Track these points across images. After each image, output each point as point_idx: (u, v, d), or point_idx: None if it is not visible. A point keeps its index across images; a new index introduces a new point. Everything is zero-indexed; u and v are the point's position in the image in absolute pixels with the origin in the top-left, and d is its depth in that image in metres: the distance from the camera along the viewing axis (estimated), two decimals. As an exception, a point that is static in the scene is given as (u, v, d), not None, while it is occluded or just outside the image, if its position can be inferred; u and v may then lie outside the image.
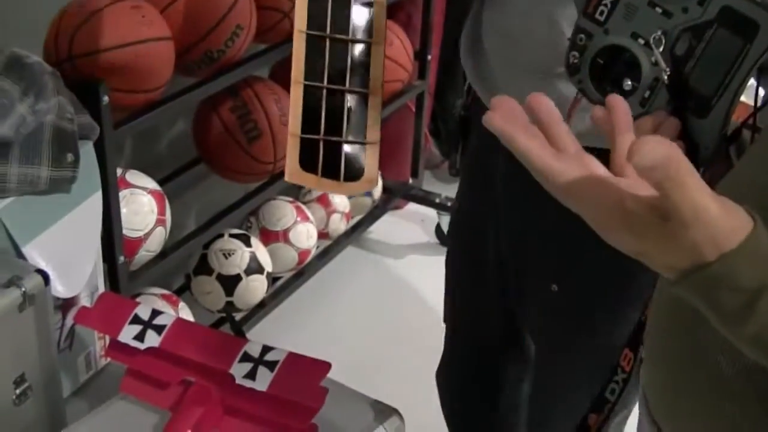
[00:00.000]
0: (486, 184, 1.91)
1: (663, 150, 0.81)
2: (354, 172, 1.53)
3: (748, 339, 0.88)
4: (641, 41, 1.20)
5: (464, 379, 2.32)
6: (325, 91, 1.52)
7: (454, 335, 2.31)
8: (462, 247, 2.15)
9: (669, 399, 1.11)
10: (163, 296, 2.76)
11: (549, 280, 1.86)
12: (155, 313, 1.75)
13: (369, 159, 1.55)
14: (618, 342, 1.37)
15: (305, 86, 1.51)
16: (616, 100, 0.98)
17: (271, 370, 1.60)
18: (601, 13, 1.22)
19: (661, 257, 0.88)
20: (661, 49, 1.18)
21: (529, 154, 0.90)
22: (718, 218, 0.84)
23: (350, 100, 1.54)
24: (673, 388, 1.09)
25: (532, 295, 1.94)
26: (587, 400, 1.41)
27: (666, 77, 1.17)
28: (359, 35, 1.55)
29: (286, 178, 1.49)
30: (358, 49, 1.55)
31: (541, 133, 0.93)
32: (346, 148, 1.52)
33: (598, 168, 0.93)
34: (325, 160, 1.50)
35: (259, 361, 1.62)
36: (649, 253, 0.88)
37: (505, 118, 0.92)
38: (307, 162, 1.49)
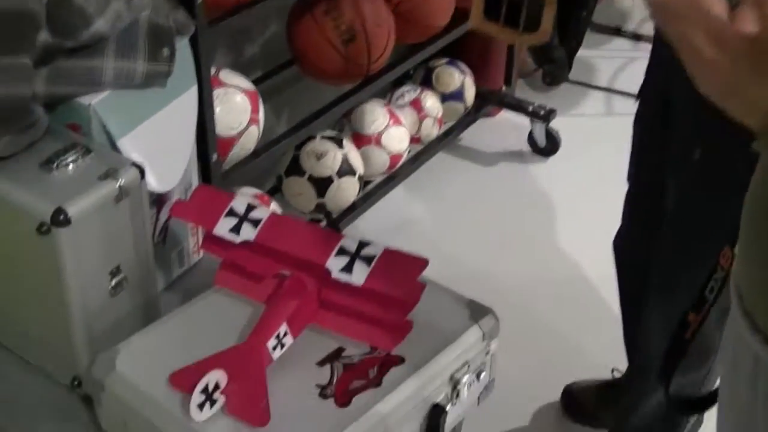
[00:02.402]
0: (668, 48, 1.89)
1: None
2: (532, 25, 1.65)
3: None
4: None
5: (641, 239, 2.27)
6: None
7: (632, 191, 2.28)
8: (645, 106, 2.13)
9: (764, 288, 1.07)
10: (255, 196, 2.76)
11: (693, 146, 1.85)
12: (251, 206, 1.74)
13: (546, 15, 1.65)
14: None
15: None
16: None
17: (368, 265, 1.59)
18: None
19: (756, 90, 0.84)
20: None
21: None
22: None
23: None
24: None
25: (675, 161, 1.94)
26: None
27: None
28: None
29: (471, 24, 1.65)
30: None
31: None
32: (527, 2, 1.64)
33: None
34: (507, 12, 1.63)
35: (355, 256, 1.62)
36: (741, 83, 0.84)
37: None
38: (491, 12, 1.63)
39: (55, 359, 1.83)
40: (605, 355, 2.66)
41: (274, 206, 2.80)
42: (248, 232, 1.71)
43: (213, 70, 2.52)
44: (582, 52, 4.26)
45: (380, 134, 3.20)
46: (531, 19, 1.63)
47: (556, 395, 2.67)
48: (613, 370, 2.63)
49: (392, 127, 3.23)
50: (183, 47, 1.96)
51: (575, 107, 4.18)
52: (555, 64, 4.17)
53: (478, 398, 1.80)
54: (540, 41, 1.68)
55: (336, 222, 2.94)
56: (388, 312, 1.58)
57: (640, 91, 2.13)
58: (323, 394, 1.59)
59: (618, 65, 4.46)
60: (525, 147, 3.87)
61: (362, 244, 1.64)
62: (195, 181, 2.10)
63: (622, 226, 2.35)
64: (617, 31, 4.76)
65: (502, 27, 1.63)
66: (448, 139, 3.64)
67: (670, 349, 1.39)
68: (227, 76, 2.62)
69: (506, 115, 3.98)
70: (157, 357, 1.65)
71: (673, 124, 1.96)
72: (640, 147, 2.18)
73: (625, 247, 2.36)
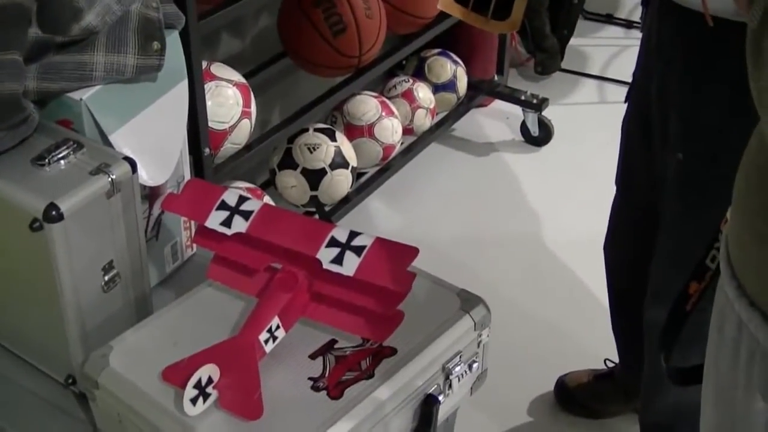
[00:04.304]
0: (650, 50, 1.91)
1: None
2: (501, 13, 1.66)
3: None
4: None
5: (631, 245, 2.30)
6: None
7: (621, 196, 2.29)
8: (632, 109, 2.13)
9: (752, 250, 1.07)
10: (248, 190, 2.77)
11: (677, 149, 1.86)
12: (242, 199, 1.75)
13: (517, 6, 1.67)
14: None
15: None
16: None
17: (359, 255, 1.60)
18: None
19: None
20: None
21: None
22: None
23: None
24: (759, 238, 1.06)
25: (662, 160, 1.95)
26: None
27: None
28: None
29: (439, 6, 1.68)
30: None
31: None
32: None
33: None
34: None
35: (346, 246, 1.62)
36: None
37: None
38: None
39: (49, 356, 1.83)
40: (597, 346, 2.66)
41: (267, 200, 2.80)
42: (239, 225, 1.71)
43: (204, 64, 2.53)
44: (574, 41, 4.26)
45: (373, 126, 3.21)
46: (501, 7, 1.63)
47: (549, 386, 2.68)
48: (605, 361, 2.63)
49: (385, 119, 3.24)
50: (173, 40, 1.96)
51: (568, 96, 4.19)
52: (547, 53, 4.17)
53: (471, 388, 1.80)
54: (508, 30, 1.68)
55: (328, 214, 2.95)
56: (379, 303, 1.59)
57: (627, 95, 2.13)
58: (316, 387, 1.59)
59: (610, 53, 4.47)
60: (518, 136, 3.87)
61: (353, 234, 1.64)
62: (187, 175, 2.10)
63: (610, 232, 2.35)
64: (609, 19, 4.76)
65: (469, 11, 1.64)
66: (440, 129, 3.65)
67: (670, 321, 1.40)
68: (218, 69, 2.63)
69: (499, 105, 3.99)
70: (150, 353, 1.66)
71: (653, 131, 1.97)
72: (627, 151, 2.18)
73: (615, 252, 2.36)
